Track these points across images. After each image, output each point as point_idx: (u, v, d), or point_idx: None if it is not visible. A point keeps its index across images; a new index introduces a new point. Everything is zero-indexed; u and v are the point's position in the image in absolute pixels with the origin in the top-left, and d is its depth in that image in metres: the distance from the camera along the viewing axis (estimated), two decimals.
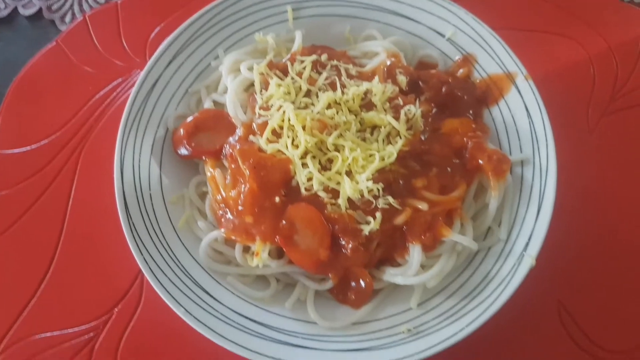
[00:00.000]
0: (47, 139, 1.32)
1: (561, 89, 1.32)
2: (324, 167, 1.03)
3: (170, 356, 1.12)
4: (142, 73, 1.16)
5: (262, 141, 1.05)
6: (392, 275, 1.02)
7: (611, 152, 1.26)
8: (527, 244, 1.01)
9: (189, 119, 1.14)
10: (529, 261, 0.98)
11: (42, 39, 1.45)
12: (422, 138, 1.08)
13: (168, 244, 1.06)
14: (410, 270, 1.00)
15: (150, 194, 1.10)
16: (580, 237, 1.18)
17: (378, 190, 0.99)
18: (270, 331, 0.99)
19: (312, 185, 1.00)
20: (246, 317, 1.01)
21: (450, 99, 1.15)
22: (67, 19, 1.49)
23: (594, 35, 1.37)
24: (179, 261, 1.05)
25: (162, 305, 1.01)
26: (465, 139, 1.09)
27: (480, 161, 1.06)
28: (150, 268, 1.01)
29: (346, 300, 1.04)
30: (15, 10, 1.50)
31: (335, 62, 1.15)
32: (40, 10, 1.50)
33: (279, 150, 1.04)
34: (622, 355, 1.11)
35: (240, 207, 1.03)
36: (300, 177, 1.01)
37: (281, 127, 1.05)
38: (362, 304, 1.02)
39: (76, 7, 1.51)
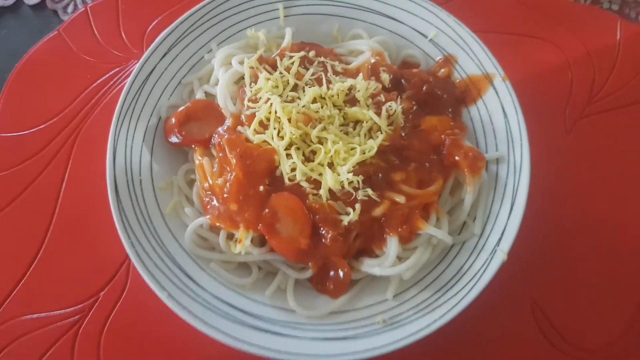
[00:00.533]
0: (44, 123, 1.27)
1: (540, 91, 1.28)
2: (308, 159, 0.99)
3: (153, 341, 1.07)
4: (138, 64, 1.11)
5: (249, 132, 1.02)
6: (369, 266, 0.98)
7: (587, 153, 1.22)
8: (499, 239, 0.97)
9: (181, 108, 1.10)
10: (501, 256, 0.94)
11: (45, 28, 1.40)
12: (402, 134, 1.04)
13: (155, 229, 1.02)
14: (387, 261, 0.96)
15: (141, 180, 1.05)
16: (555, 235, 1.14)
17: (358, 182, 0.96)
18: (250, 318, 0.95)
19: (296, 175, 0.97)
20: (227, 304, 0.96)
21: (430, 98, 1.11)
22: (70, 9, 1.44)
23: (573, 39, 1.33)
24: (164, 246, 1.01)
25: (147, 290, 0.96)
26: (443, 136, 1.05)
27: (457, 157, 1.02)
28: (136, 252, 0.97)
29: (325, 289, 1.00)
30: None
31: (322, 59, 1.12)
32: (44, 0, 1.45)
33: (264, 141, 1.00)
34: (594, 353, 1.06)
35: (225, 195, 0.99)
36: (284, 167, 0.98)
37: (268, 119, 1.01)
38: (340, 294, 0.98)
39: None
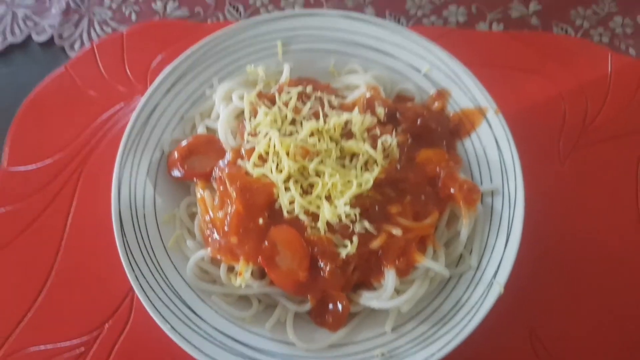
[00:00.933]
0: (51, 158, 1.29)
1: (533, 123, 1.29)
2: (305, 192, 1.01)
3: None
4: (142, 100, 1.14)
5: (249, 165, 1.03)
6: (367, 298, 0.99)
7: (582, 183, 1.23)
8: (496, 272, 0.98)
9: (183, 143, 1.12)
10: (497, 288, 0.95)
11: (53, 64, 1.43)
12: (398, 167, 1.06)
13: (158, 262, 1.03)
14: (384, 294, 0.97)
15: (144, 214, 1.07)
16: (552, 265, 1.15)
17: (355, 215, 0.97)
18: (250, 351, 0.96)
19: (294, 208, 0.98)
20: (228, 336, 0.97)
21: (425, 131, 1.12)
22: (77, 46, 1.48)
23: (565, 72, 1.35)
24: (167, 279, 1.02)
25: (151, 322, 0.97)
26: (438, 168, 1.06)
27: (452, 190, 1.03)
28: (140, 285, 0.98)
29: (324, 323, 1.00)
30: (29, 36, 1.49)
31: (319, 94, 1.14)
32: (52, 37, 1.48)
33: (264, 175, 1.02)
34: None
35: (226, 228, 1.00)
36: (283, 200, 0.99)
37: (267, 153, 1.03)
38: (339, 327, 0.99)
39: (85, 36, 1.49)
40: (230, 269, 1.02)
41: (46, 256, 1.19)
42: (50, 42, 1.49)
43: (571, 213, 1.20)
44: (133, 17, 1.52)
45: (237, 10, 1.51)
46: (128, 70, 1.42)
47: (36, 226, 1.22)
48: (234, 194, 1.00)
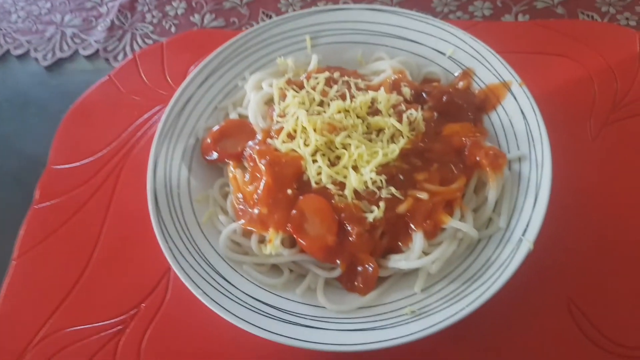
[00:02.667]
0: (94, 155, 1.40)
1: (563, 103, 1.32)
2: (332, 164, 1.06)
3: (190, 351, 1.12)
4: (177, 91, 1.24)
5: (277, 143, 1.10)
6: (396, 260, 1.02)
7: (613, 157, 1.24)
8: (525, 230, 0.99)
9: (215, 127, 1.20)
10: (527, 245, 0.96)
11: (98, 75, 1.57)
12: (425, 140, 1.10)
13: (192, 237, 1.09)
14: (413, 254, 1.00)
15: (179, 193, 1.14)
16: (586, 236, 1.15)
17: (381, 181, 1.01)
18: (281, 313, 0.99)
19: (321, 178, 1.04)
20: (259, 301, 1.01)
21: (451, 107, 1.17)
22: (120, 57, 1.62)
23: (593, 55, 1.38)
24: (201, 252, 1.08)
25: (185, 302, 1.02)
26: (464, 139, 1.10)
27: (478, 157, 1.07)
28: (173, 255, 1.04)
29: (354, 287, 1.03)
30: (76, 51, 1.64)
31: (346, 78, 1.21)
32: (97, 51, 1.63)
33: (292, 150, 1.08)
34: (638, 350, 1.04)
35: (256, 199, 1.06)
36: (311, 171, 1.05)
37: (295, 131, 1.10)
38: (369, 291, 1.01)
39: (128, 48, 1.63)
40: (261, 240, 1.07)
41: (87, 244, 1.27)
42: (95, 54, 1.63)
43: (604, 184, 1.20)
44: (173, 29, 1.65)
45: (270, 17, 1.63)
46: (168, 76, 1.54)
47: (79, 217, 1.31)
48: (263, 168, 1.07)
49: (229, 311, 0.97)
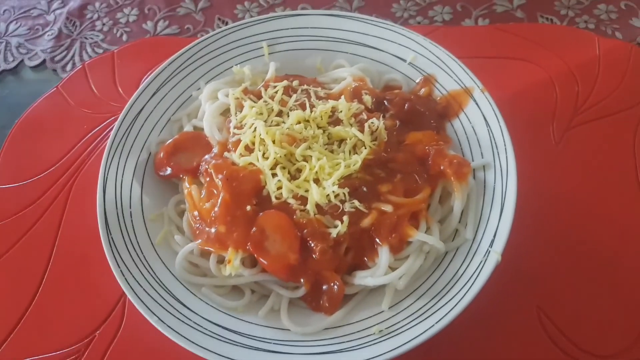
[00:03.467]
0: (42, 173, 1.32)
1: (526, 108, 1.30)
2: (293, 177, 1.02)
3: None
4: (128, 102, 1.17)
5: (235, 156, 1.04)
6: (362, 277, 0.97)
7: (577, 160, 1.22)
8: (492, 241, 0.96)
9: (169, 141, 1.14)
10: (494, 257, 0.93)
11: (45, 87, 1.48)
12: (388, 149, 1.06)
13: (146, 258, 1.02)
14: (379, 270, 0.95)
15: (131, 212, 1.07)
16: (552, 242, 1.12)
17: (344, 194, 0.97)
18: (242, 338, 0.93)
19: (282, 193, 0.98)
20: (219, 326, 0.95)
21: (413, 115, 1.13)
22: (68, 68, 1.53)
23: (554, 58, 1.37)
24: (155, 274, 1.01)
25: (142, 328, 0.96)
26: (427, 148, 1.06)
27: (442, 166, 1.03)
28: (126, 280, 0.97)
29: (319, 307, 0.98)
30: (21, 62, 1.54)
31: (305, 87, 1.16)
32: (44, 61, 1.54)
33: (250, 163, 1.03)
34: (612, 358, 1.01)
35: (213, 217, 1.00)
36: (270, 186, 0.99)
37: (253, 143, 1.04)
38: (335, 310, 0.96)
39: (77, 58, 1.54)
40: (220, 261, 1.01)
41: (36, 269, 1.18)
42: (42, 65, 1.54)
43: (568, 188, 1.18)
44: (124, 37, 1.57)
45: (226, 24, 1.56)
46: (119, 87, 1.46)
47: (27, 239, 1.23)
48: (220, 184, 1.01)
49: (187, 339, 0.91)
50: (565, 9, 1.48)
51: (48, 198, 1.28)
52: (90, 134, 1.37)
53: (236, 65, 1.24)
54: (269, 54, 1.27)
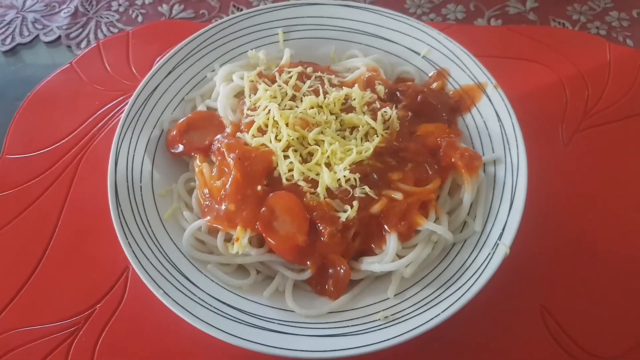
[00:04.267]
0: (52, 146, 1.29)
1: (536, 108, 1.29)
2: (305, 160, 1.00)
3: (148, 352, 1.02)
4: (143, 80, 1.15)
5: (247, 137, 1.03)
6: (369, 263, 0.95)
7: (586, 164, 1.21)
8: (501, 234, 0.94)
9: (182, 119, 1.11)
10: (503, 249, 0.91)
11: (59, 62, 1.46)
12: (399, 139, 1.04)
13: (154, 232, 1.00)
14: (386, 257, 0.93)
15: (141, 186, 1.05)
16: (558, 243, 1.10)
17: (355, 180, 0.95)
18: (247, 316, 0.91)
19: (293, 175, 0.97)
20: (224, 303, 0.93)
21: (425, 107, 1.12)
22: (83, 45, 1.50)
23: (565, 61, 1.35)
24: (162, 249, 0.99)
25: (144, 301, 0.94)
26: (439, 139, 1.04)
27: (453, 159, 1.01)
28: (134, 252, 0.95)
29: (324, 291, 0.96)
30: (37, 37, 1.52)
31: (319, 74, 1.14)
32: (59, 37, 1.51)
33: (263, 144, 1.01)
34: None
35: (223, 195, 0.98)
36: (282, 167, 0.98)
37: (266, 125, 1.02)
38: (340, 294, 0.94)
39: (92, 36, 1.52)
40: (228, 239, 0.99)
41: (40, 239, 1.16)
42: (57, 42, 1.51)
43: (577, 190, 1.17)
44: (140, 19, 1.55)
45: (240, 10, 1.54)
46: (132, 66, 1.43)
47: (33, 209, 1.20)
48: (232, 163, 0.99)
49: (191, 313, 0.89)
50: (578, 14, 1.47)
51: (56, 171, 1.26)
52: (101, 110, 1.35)
53: (251, 50, 1.22)
54: (284, 40, 1.25)
